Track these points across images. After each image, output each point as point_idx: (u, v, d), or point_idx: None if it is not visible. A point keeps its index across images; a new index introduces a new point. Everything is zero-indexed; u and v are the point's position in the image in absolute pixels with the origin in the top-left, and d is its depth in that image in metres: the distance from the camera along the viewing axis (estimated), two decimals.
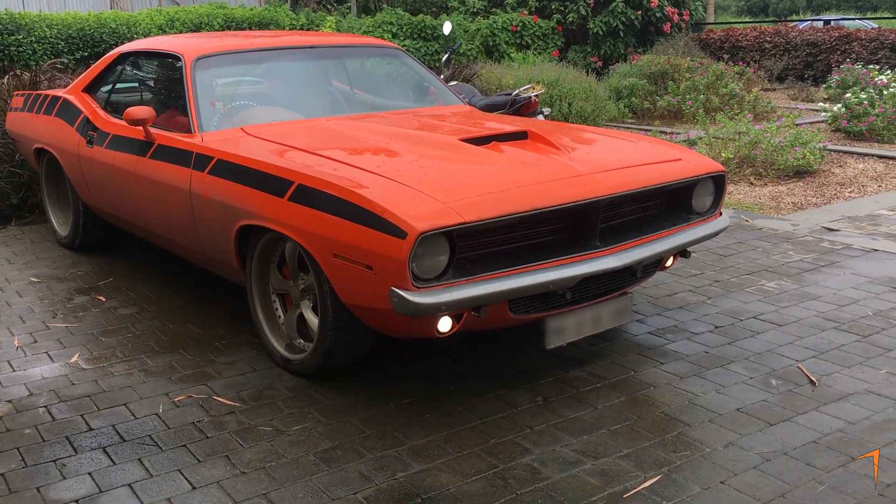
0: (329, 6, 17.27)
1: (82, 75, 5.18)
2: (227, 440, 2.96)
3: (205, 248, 3.80)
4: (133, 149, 4.16)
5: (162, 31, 11.29)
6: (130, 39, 10.96)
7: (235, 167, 3.48)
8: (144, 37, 11.06)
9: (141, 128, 4.01)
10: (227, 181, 3.48)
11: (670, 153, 3.64)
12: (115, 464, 2.81)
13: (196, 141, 3.79)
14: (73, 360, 3.65)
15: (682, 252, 3.54)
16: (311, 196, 3.08)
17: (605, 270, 3.11)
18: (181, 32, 11.38)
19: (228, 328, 3.99)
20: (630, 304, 3.43)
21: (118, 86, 4.94)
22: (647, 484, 2.64)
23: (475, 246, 2.99)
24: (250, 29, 12.04)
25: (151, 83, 4.85)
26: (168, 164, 3.86)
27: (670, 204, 3.60)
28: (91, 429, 3.05)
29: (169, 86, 4.46)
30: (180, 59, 4.13)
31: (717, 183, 3.62)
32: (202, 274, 4.69)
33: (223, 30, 11.82)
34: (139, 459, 2.83)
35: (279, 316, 3.60)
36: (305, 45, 4.61)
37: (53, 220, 5.54)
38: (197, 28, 11.61)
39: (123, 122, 4.27)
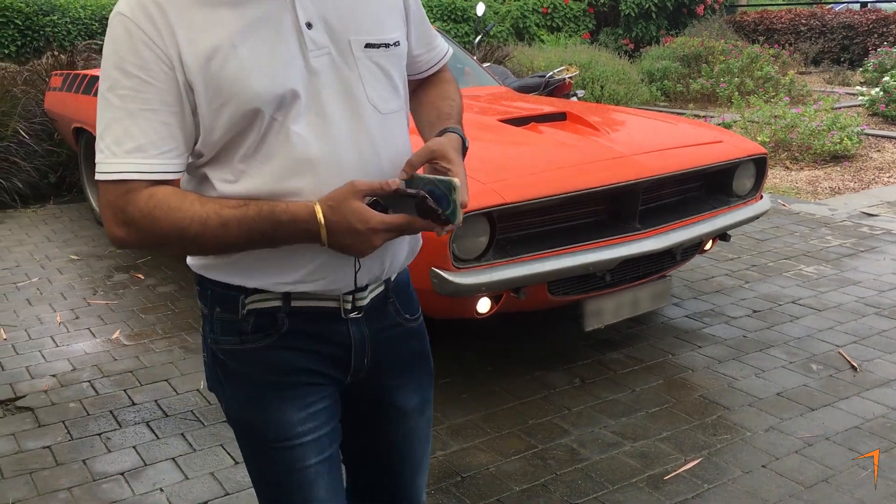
0: None
1: None
2: None
3: None
4: None
5: None
6: None
7: None
8: None
9: None
10: None
11: (711, 135, 3.60)
12: (158, 438, 2.85)
13: None
14: (114, 336, 3.71)
15: (721, 235, 3.51)
16: None
17: (645, 253, 3.09)
18: None
19: None
20: (669, 288, 3.41)
21: None
22: (687, 466, 2.63)
23: (514, 227, 2.98)
24: None
25: None
26: None
27: (710, 186, 3.56)
28: (134, 403, 3.09)
29: None
30: None
31: (759, 166, 3.57)
32: None
33: None
34: (182, 434, 2.87)
35: None
36: None
37: (92, 200, 5.61)
38: None
39: None
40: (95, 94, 5.04)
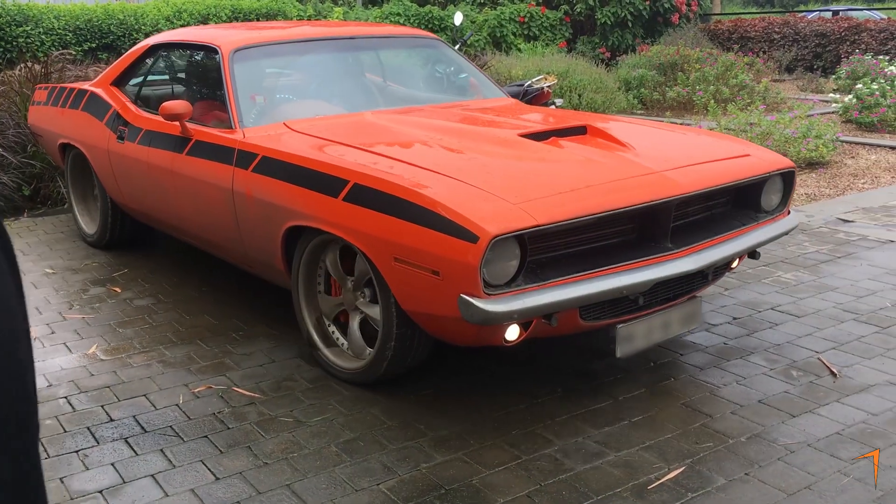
0: None
1: (109, 68, 5.01)
2: (249, 431, 2.96)
3: (247, 249, 3.66)
4: (168, 145, 4.02)
5: (169, 22, 11.27)
6: (138, 31, 10.94)
7: (283, 165, 3.33)
8: (152, 28, 11.04)
9: (177, 123, 3.85)
10: (275, 179, 3.33)
11: (737, 148, 3.48)
12: (137, 454, 2.81)
13: (237, 137, 3.63)
14: (91, 351, 3.65)
15: (750, 253, 3.36)
16: (370, 196, 2.92)
17: (681, 274, 2.96)
18: (188, 24, 11.36)
19: (244, 319, 3.99)
20: (699, 309, 3.29)
21: (148, 79, 4.79)
22: (671, 475, 2.63)
23: (543, 249, 2.84)
24: (257, 21, 12.01)
25: (184, 76, 4.69)
26: (207, 161, 3.72)
27: (737, 202, 3.45)
28: (112, 419, 3.05)
29: (204, 79, 4.32)
30: (217, 52, 3.97)
31: (786, 180, 3.46)
32: (216, 264, 4.68)
33: (230, 22, 11.79)
34: (161, 450, 2.83)
35: (337, 339, 3.43)
36: (344, 35, 4.43)
37: (79, 219, 5.36)
38: (204, 20, 11.58)
39: (156, 117, 4.14)
40: (84, 109, 4.88)
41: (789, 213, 3.57)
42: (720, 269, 3.38)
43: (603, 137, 3.41)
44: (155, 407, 3.14)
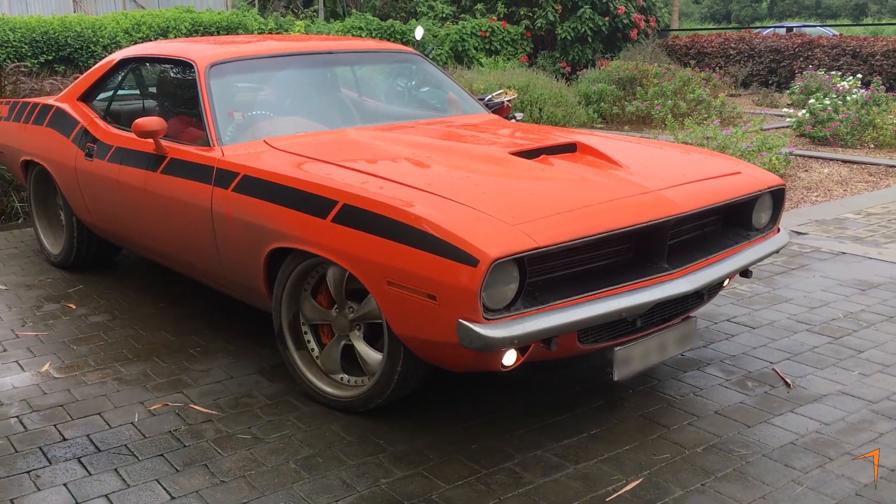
0: (297, 11, 17.23)
1: (75, 82, 4.85)
2: (206, 449, 2.92)
3: (226, 270, 3.54)
4: (141, 163, 3.88)
5: (128, 34, 11.17)
6: (96, 43, 10.81)
7: (266, 184, 3.22)
8: (111, 41, 10.92)
9: (151, 140, 3.72)
10: (257, 199, 3.22)
11: (727, 166, 3.46)
12: (90, 474, 2.75)
13: (216, 155, 3.51)
14: (44, 368, 3.58)
15: (743, 271, 3.32)
16: (360, 217, 2.83)
17: (679, 295, 2.92)
18: (147, 37, 11.26)
19: (202, 335, 3.94)
20: (694, 329, 3.23)
21: (118, 94, 4.65)
22: (629, 487, 2.65)
23: (540, 271, 2.76)
24: (218, 34, 11.94)
25: (156, 92, 4.55)
26: (184, 179, 3.60)
27: (728, 220, 3.42)
28: (65, 439, 2.99)
29: (178, 95, 4.20)
30: (192, 67, 3.84)
31: (776, 197, 3.45)
32: (174, 280, 4.63)
33: (190, 34, 11.71)
34: (115, 469, 2.78)
35: (308, 342, 3.33)
36: (323, 50, 4.34)
37: (43, 238, 5.19)
38: (164, 33, 11.49)
39: (128, 134, 4.01)
40: (49, 125, 4.72)
41: (779, 230, 3.56)
42: (714, 288, 3.36)
43: (593, 155, 3.35)
44: (109, 425, 3.09)
